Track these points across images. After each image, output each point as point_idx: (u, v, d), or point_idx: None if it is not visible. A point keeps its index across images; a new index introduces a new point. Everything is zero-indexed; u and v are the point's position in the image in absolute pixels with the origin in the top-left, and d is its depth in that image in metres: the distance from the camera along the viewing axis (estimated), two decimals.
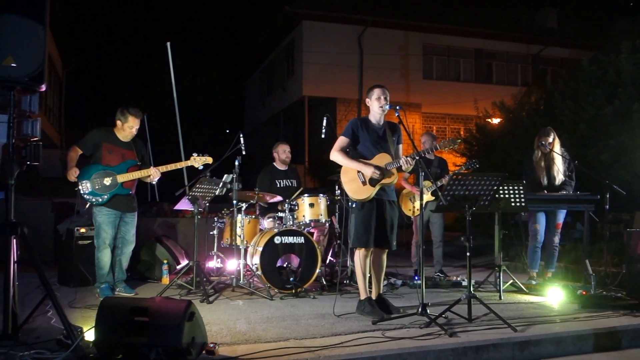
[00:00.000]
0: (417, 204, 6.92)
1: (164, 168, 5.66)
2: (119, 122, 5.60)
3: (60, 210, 7.99)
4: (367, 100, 4.95)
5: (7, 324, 3.59)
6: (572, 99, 9.93)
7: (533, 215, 6.28)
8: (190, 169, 5.97)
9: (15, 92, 3.60)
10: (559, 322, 4.55)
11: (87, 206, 5.50)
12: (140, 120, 5.69)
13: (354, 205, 4.81)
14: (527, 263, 6.53)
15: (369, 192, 4.72)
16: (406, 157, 4.67)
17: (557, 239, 6.39)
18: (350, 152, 4.87)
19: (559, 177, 6.32)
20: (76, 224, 6.25)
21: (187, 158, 5.82)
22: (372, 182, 4.71)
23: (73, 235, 6.17)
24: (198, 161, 5.74)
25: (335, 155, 4.85)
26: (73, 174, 5.37)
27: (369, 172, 4.67)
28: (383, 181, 4.72)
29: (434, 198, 6.68)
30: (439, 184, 6.51)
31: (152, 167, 5.64)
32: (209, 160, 5.79)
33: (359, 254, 4.78)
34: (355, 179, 4.77)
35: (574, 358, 4.08)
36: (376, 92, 4.87)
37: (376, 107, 4.86)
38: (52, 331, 3.83)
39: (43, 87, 3.66)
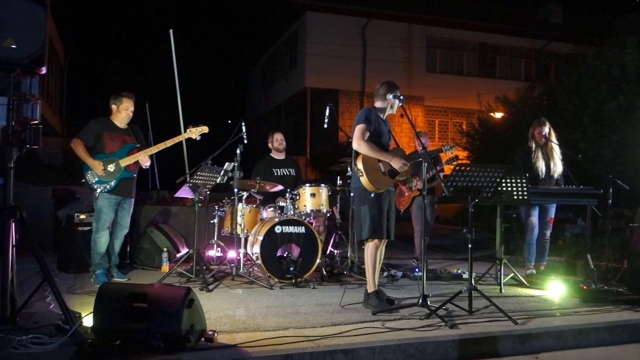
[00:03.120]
0: (405, 199, 6.92)
1: (170, 142, 5.70)
2: (114, 107, 5.66)
3: (60, 196, 7.96)
4: (389, 96, 4.76)
5: (5, 308, 3.57)
6: (576, 94, 9.88)
7: (528, 208, 6.26)
8: (191, 156, 5.94)
9: (15, 74, 3.57)
10: (559, 315, 4.53)
11: (97, 195, 5.53)
12: (134, 102, 5.72)
13: (372, 195, 4.61)
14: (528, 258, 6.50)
15: (389, 183, 4.70)
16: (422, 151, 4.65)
17: (548, 233, 6.39)
18: (375, 144, 4.71)
19: (558, 170, 6.31)
20: (76, 210, 6.25)
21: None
22: (392, 174, 4.68)
23: (73, 221, 6.16)
24: (194, 132, 5.77)
25: (362, 145, 4.61)
26: (99, 166, 5.43)
27: (398, 165, 4.59)
28: (401, 174, 4.71)
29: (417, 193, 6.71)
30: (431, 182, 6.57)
31: (141, 152, 5.64)
32: (205, 129, 5.81)
33: (371, 245, 4.68)
34: (377, 168, 4.66)
35: (575, 352, 4.06)
36: (397, 94, 4.76)
37: (389, 107, 4.86)
38: (50, 316, 3.82)
39: (43, 70, 3.62)
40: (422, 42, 21.01)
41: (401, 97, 4.63)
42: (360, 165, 4.63)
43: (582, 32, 22.33)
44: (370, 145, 4.63)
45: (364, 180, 4.61)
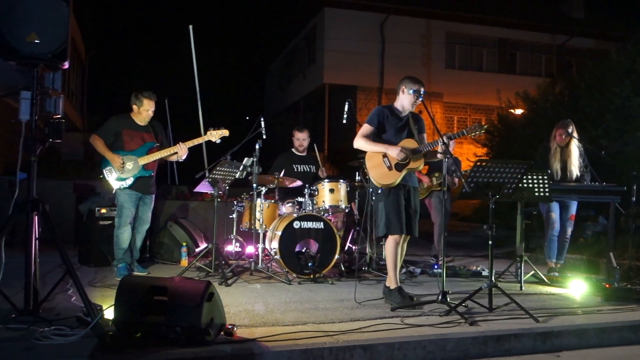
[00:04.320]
0: (421, 190, 6.91)
1: (190, 143, 5.72)
2: (135, 107, 5.66)
3: (81, 191, 8.06)
4: (403, 88, 4.77)
5: (28, 300, 3.63)
6: (598, 89, 9.75)
7: (548, 204, 6.19)
8: (210, 152, 5.95)
9: (38, 69, 3.60)
10: (581, 314, 4.47)
11: (113, 191, 5.59)
12: (155, 102, 5.73)
13: (380, 192, 4.70)
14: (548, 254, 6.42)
15: (395, 177, 4.63)
16: (442, 139, 4.43)
17: (570, 230, 6.31)
18: (373, 139, 4.77)
19: (575, 172, 6.22)
20: (97, 204, 6.31)
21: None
22: (399, 167, 4.63)
23: (94, 215, 6.22)
24: (215, 135, 5.78)
25: (359, 142, 4.75)
26: (118, 160, 5.45)
27: (394, 152, 4.58)
28: (410, 166, 4.63)
29: (439, 189, 6.63)
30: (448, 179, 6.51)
31: (179, 143, 5.66)
32: (226, 132, 5.81)
33: (390, 241, 4.65)
34: (380, 164, 4.67)
35: (597, 351, 4.00)
36: (417, 88, 4.67)
37: (408, 102, 4.77)
38: (72, 309, 3.86)
39: (66, 65, 3.65)
40: (441, 38, 20.86)
41: (422, 92, 4.58)
42: (365, 163, 4.77)
43: (605, 27, 21.93)
44: (366, 140, 4.73)
45: (370, 177, 4.72)
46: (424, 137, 4.89)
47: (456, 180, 6.62)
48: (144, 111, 5.63)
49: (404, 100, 4.79)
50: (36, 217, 3.63)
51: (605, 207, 6.28)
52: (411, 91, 4.70)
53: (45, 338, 3.20)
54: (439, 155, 4.59)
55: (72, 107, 20.68)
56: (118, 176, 5.49)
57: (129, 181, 5.52)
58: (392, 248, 4.65)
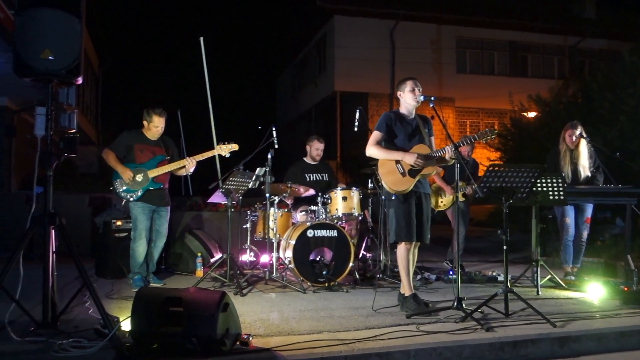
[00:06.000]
0: (445, 200, 6.87)
1: (200, 157, 5.79)
2: (145, 123, 5.78)
3: (97, 204, 8.14)
4: (399, 93, 4.85)
5: (46, 313, 3.67)
6: (612, 90, 9.67)
7: (563, 209, 6.14)
8: (223, 162, 6.00)
9: (52, 85, 3.66)
10: (599, 318, 4.42)
11: (123, 203, 5.72)
12: (165, 120, 5.82)
13: (393, 198, 4.69)
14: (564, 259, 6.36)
15: (409, 183, 4.62)
16: (452, 145, 4.45)
17: (585, 234, 6.24)
18: (386, 145, 4.78)
19: (585, 173, 6.17)
20: (113, 217, 6.36)
21: (220, 154, 5.92)
22: (412, 173, 4.62)
23: (110, 227, 6.28)
24: (224, 149, 5.86)
25: (372, 150, 4.76)
26: (128, 173, 5.56)
27: (411, 159, 4.55)
28: (423, 172, 4.62)
29: (464, 199, 6.56)
30: (468, 189, 6.46)
31: (187, 157, 5.74)
32: (235, 147, 5.89)
33: (402, 248, 4.65)
34: (393, 170, 4.67)
35: (617, 355, 3.96)
36: (409, 84, 4.78)
37: (410, 99, 4.77)
38: (89, 321, 3.89)
39: (80, 80, 3.71)
40: (451, 42, 20.80)
41: (432, 98, 4.57)
42: (378, 170, 4.76)
43: (617, 27, 21.69)
44: (378, 148, 4.74)
45: (383, 183, 4.71)
46: (432, 140, 4.89)
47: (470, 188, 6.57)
48: (153, 127, 5.74)
49: (407, 100, 4.80)
50: (53, 230, 3.68)
51: (622, 209, 6.22)
52: (406, 88, 4.77)
53: (63, 350, 3.24)
54: (448, 159, 4.58)
55: (86, 121, 20.90)
56: (127, 188, 5.59)
57: (139, 193, 5.59)
58: (404, 255, 4.64)
